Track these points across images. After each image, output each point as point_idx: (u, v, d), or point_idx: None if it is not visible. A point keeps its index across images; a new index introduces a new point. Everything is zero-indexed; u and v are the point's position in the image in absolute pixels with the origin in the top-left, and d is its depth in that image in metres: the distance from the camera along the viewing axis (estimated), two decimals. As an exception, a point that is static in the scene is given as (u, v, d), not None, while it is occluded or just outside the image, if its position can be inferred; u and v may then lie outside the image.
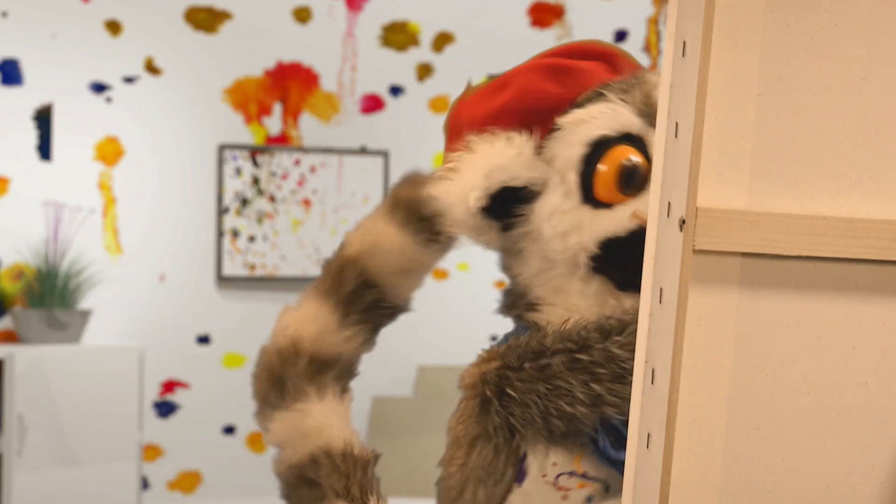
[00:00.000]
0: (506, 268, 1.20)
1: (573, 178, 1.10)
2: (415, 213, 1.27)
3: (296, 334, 1.29)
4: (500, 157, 1.12)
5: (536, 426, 1.09)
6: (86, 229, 4.20)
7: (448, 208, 1.14)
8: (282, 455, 1.30)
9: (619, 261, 1.09)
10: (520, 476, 1.12)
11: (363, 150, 4.61)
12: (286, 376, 1.28)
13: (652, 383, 0.80)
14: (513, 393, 1.09)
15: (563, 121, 1.12)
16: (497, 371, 1.11)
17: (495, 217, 1.13)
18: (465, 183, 1.12)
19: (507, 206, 1.12)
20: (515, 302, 1.19)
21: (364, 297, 1.29)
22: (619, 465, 1.05)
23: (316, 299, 1.31)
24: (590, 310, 1.11)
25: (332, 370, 1.30)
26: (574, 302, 1.12)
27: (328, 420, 1.28)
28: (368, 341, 1.32)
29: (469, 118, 1.18)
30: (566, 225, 1.11)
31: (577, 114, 1.12)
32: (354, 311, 1.30)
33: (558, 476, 1.10)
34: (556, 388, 1.07)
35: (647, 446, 0.80)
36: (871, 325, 0.84)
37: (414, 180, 1.29)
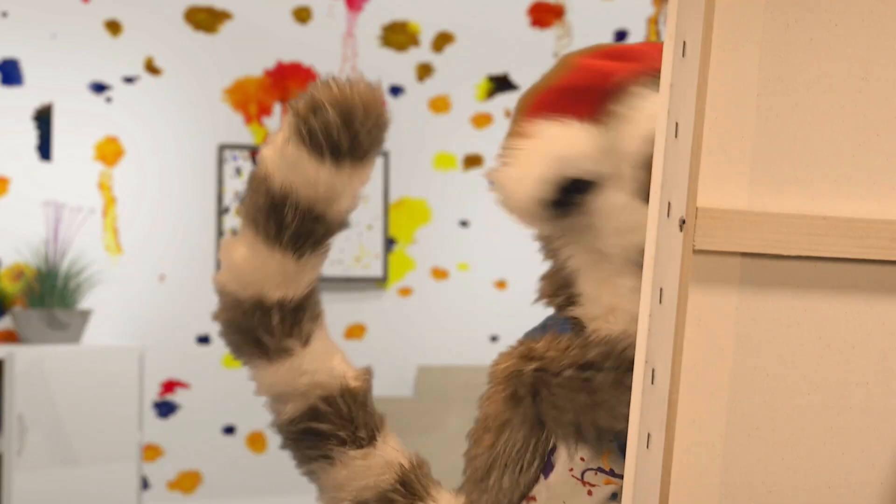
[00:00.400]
0: (551, 251, 1.18)
1: (640, 177, 1.06)
2: (326, 143, 1.18)
3: (257, 292, 1.23)
4: (564, 146, 1.10)
5: (567, 429, 1.08)
6: (86, 229, 4.20)
7: (510, 196, 1.12)
8: (277, 408, 1.27)
9: None
10: (546, 468, 1.11)
11: (363, 150, 4.60)
12: (259, 334, 1.24)
13: (652, 383, 0.80)
14: (548, 396, 1.08)
15: (623, 109, 1.08)
16: (535, 372, 1.09)
17: (554, 205, 1.11)
18: (527, 171, 1.11)
19: (566, 195, 1.10)
20: (557, 291, 1.17)
21: (312, 231, 1.23)
22: None
23: (265, 247, 1.23)
24: (632, 308, 1.08)
25: (306, 313, 1.26)
26: (617, 299, 1.10)
27: (319, 365, 1.25)
28: (320, 265, 1.27)
29: (534, 99, 1.15)
30: (628, 223, 1.08)
31: (639, 104, 1.07)
32: (307, 248, 1.23)
33: (584, 472, 1.09)
34: (598, 402, 1.06)
35: (647, 446, 0.80)
36: (871, 325, 0.84)
37: (308, 106, 1.19)
